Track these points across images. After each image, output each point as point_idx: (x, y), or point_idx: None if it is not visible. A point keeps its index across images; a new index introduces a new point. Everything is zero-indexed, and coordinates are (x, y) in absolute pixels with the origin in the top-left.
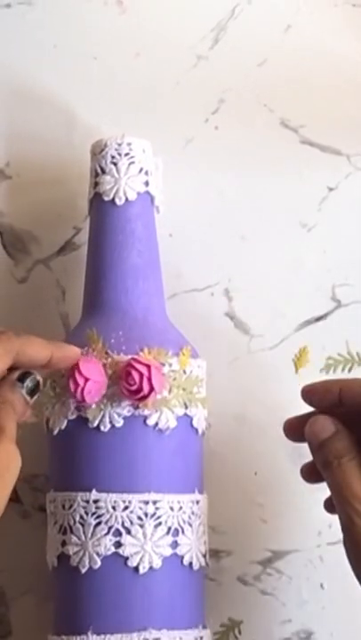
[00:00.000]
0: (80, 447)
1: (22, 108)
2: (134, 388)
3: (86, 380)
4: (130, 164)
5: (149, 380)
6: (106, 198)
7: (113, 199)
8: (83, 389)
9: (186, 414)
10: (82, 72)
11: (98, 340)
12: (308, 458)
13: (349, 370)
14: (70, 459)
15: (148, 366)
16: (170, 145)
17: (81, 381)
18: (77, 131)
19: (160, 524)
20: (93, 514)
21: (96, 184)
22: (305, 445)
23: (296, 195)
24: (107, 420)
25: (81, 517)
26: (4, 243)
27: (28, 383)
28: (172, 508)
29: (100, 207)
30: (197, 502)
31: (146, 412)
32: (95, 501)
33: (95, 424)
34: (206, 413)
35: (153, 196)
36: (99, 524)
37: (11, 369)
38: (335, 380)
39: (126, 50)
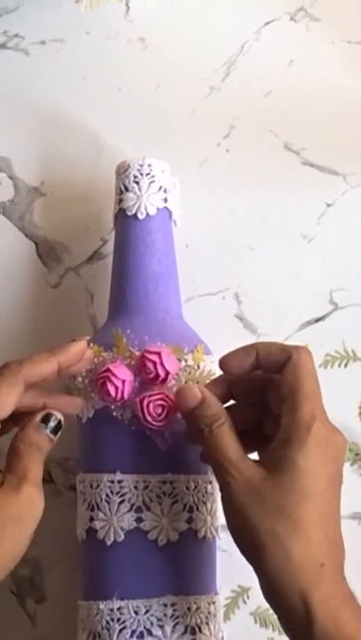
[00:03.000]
0: (106, 434)
1: (55, 134)
2: (152, 375)
3: (123, 381)
4: (150, 182)
5: (162, 364)
6: (129, 213)
7: (135, 214)
8: (123, 391)
9: None
10: (108, 101)
11: (122, 339)
12: None
13: (345, 365)
14: (97, 444)
15: (159, 353)
16: (186, 166)
17: (119, 384)
18: (104, 153)
19: (177, 501)
20: (118, 492)
21: (120, 200)
22: None
23: (298, 210)
24: (128, 409)
25: (107, 496)
26: (39, 252)
27: (52, 423)
28: (187, 488)
29: (124, 221)
30: (210, 482)
31: None
32: (119, 481)
33: (119, 415)
34: None
35: (171, 212)
36: (122, 501)
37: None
38: (251, 345)
39: (147, 81)
